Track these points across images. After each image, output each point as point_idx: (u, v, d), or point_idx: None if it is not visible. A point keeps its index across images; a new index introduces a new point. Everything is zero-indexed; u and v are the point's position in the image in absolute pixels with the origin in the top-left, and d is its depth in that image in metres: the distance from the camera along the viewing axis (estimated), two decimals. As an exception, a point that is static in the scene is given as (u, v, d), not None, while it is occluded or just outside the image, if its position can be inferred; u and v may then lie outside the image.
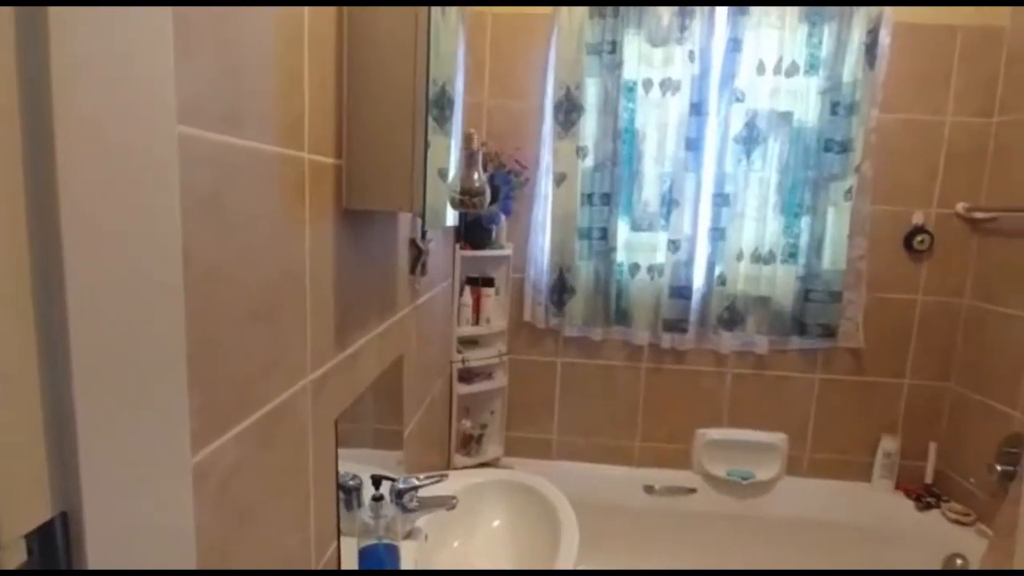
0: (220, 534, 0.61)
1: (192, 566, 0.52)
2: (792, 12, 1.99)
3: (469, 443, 2.15)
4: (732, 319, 2.15)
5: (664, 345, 2.19)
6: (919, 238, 2.09)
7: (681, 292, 2.12)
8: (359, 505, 1.06)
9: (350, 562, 0.99)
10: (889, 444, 2.18)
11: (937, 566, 1.90)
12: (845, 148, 2.02)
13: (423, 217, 0.95)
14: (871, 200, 2.06)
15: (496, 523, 1.33)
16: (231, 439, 0.62)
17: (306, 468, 0.82)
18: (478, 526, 1.31)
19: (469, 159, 1.33)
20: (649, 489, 2.25)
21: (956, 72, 2.02)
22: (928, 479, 2.17)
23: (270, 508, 0.72)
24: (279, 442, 0.74)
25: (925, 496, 2.13)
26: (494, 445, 2.22)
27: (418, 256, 1.43)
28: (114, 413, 0.42)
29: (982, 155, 2.05)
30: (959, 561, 1.87)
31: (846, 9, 1.96)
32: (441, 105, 1.11)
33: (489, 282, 2.11)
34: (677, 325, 2.14)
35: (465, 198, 1.34)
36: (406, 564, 1.03)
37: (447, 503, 1.17)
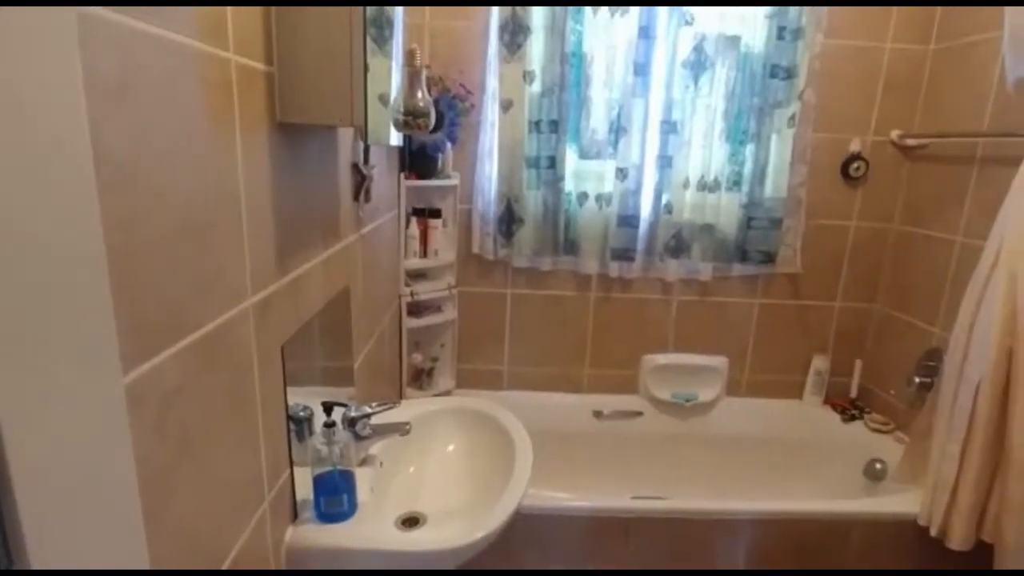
0: (164, 462, 0.58)
1: (133, 490, 0.49)
2: (742, -71, 1.94)
3: (420, 376, 2.14)
4: (678, 247, 2.18)
5: (612, 274, 2.21)
6: (855, 165, 2.15)
7: (629, 221, 2.13)
8: (311, 435, 1.04)
9: (305, 490, 0.98)
10: (820, 363, 2.32)
11: (860, 470, 2.07)
12: (790, 74, 2.02)
13: (364, 131, 0.89)
14: (812, 127, 2.09)
15: (451, 448, 1.34)
16: (168, 360, 0.58)
17: (253, 396, 0.79)
18: (433, 451, 1.32)
19: (412, 78, 1.26)
20: (598, 414, 2.32)
21: (898, -3, 2.04)
22: (853, 393, 2.33)
23: (217, 437, 0.69)
24: (222, 367, 0.70)
25: (850, 409, 2.29)
26: (445, 378, 2.22)
27: (361, 182, 1.36)
28: (27, 326, 0.38)
29: (918, 82, 2.10)
30: (878, 465, 2.03)
31: (795, -72, 1.93)
32: (380, 24, 1.03)
33: (436, 213, 2.06)
34: (625, 254, 2.16)
35: (409, 119, 1.27)
36: (362, 490, 1.03)
37: (401, 429, 1.16)
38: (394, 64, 1.20)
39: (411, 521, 1.15)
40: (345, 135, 1.23)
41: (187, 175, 0.61)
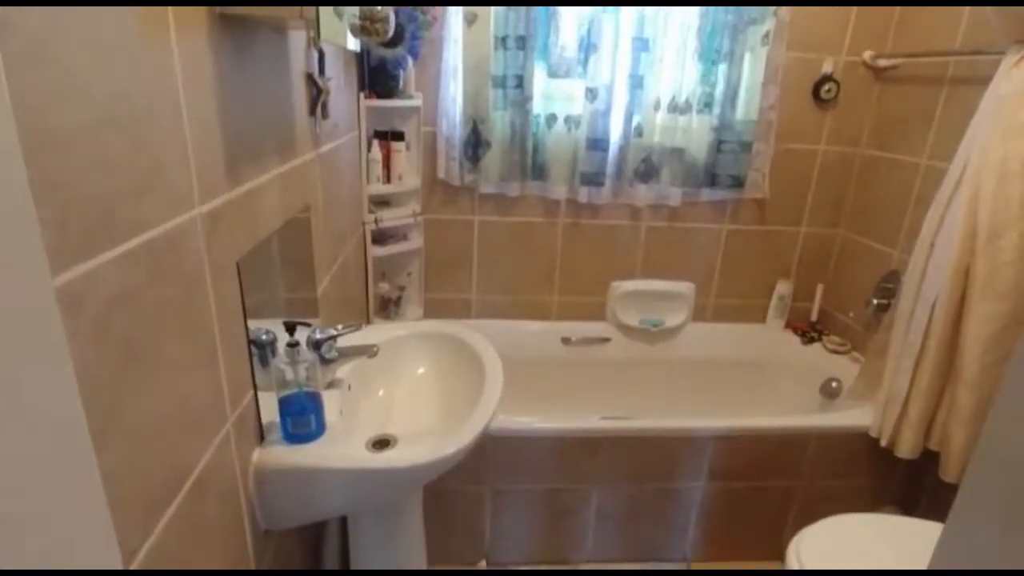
0: (109, 371, 0.53)
1: (73, 393, 0.45)
2: None
3: (388, 306, 2.11)
4: (648, 172, 2.15)
5: (581, 200, 2.17)
6: (827, 87, 2.12)
7: (598, 144, 2.08)
8: (273, 357, 1.00)
9: (270, 412, 0.95)
10: (783, 288, 2.36)
11: (817, 389, 2.15)
12: (765, -11, 1.95)
13: (316, 26, 0.80)
14: (786, 47, 2.04)
15: (421, 371, 1.32)
16: (106, 265, 0.53)
17: (208, 312, 0.74)
18: (402, 375, 1.30)
19: (369, -23, 1.16)
20: (566, 341, 2.34)
21: (878, -94, 1.96)
22: (813, 317, 2.40)
23: (170, 351, 0.65)
24: (171, 279, 0.65)
25: (809, 332, 2.36)
26: (413, 307, 2.20)
27: (317, 96, 1.27)
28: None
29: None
30: (834, 384, 2.11)
31: None
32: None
33: (399, 136, 1.96)
34: (594, 179, 2.12)
35: (367, 23, 1.18)
36: (330, 412, 1.01)
37: (368, 351, 1.14)
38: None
39: (381, 443, 1.14)
40: (297, 41, 1.14)
41: (109, 61, 0.54)
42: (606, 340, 2.36)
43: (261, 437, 0.94)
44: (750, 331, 2.42)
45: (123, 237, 0.56)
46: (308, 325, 1.06)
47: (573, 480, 1.76)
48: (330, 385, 1.12)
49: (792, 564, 1.34)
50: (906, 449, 1.66)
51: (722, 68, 2.04)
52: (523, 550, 1.83)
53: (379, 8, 1.19)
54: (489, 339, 1.40)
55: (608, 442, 1.73)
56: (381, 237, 2.01)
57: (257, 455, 0.91)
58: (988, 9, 1.49)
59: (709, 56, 2.03)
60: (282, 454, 0.92)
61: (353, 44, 1.11)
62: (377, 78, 1.84)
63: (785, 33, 2.02)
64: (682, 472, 1.78)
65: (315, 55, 1.25)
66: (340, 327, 1.11)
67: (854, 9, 2.05)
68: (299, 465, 0.91)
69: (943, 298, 1.55)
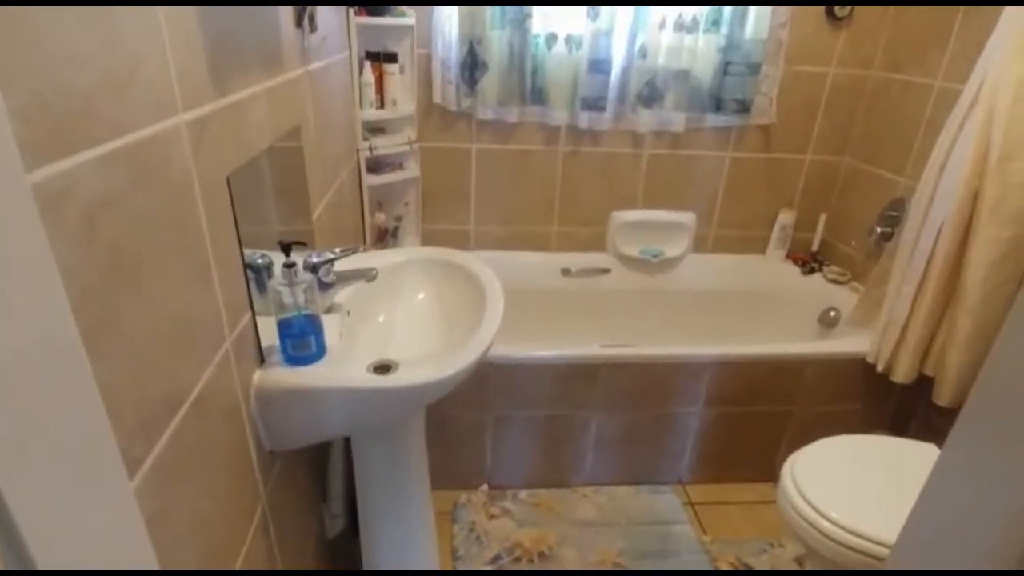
0: (97, 276, 0.51)
1: (60, 295, 0.43)
2: None
3: (385, 237, 2.07)
4: (651, 96, 2.07)
5: (582, 125, 2.10)
6: (842, 5, 2.02)
7: (600, 67, 1.99)
8: (270, 279, 0.98)
9: (269, 335, 0.94)
10: (786, 218, 2.33)
11: (815, 319, 2.16)
12: None
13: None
14: (800, -42, 1.93)
15: (421, 296, 1.31)
16: (87, 166, 0.50)
17: (199, 226, 0.72)
18: (402, 300, 1.29)
19: None
20: (566, 272, 2.32)
21: None
22: (814, 247, 2.38)
23: (161, 263, 0.62)
24: (158, 188, 0.62)
25: (810, 262, 2.34)
26: (411, 237, 2.16)
27: (304, 6, 1.20)
28: None
29: (915, -93, 1.93)
30: (832, 313, 2.12)
31: None
32: None
33: (392, 58, 1.87)
34: (596, 103, 2.04)
35: (355, -78, 1.09)
36: (331, 336, 1.00)
37: (367, 274, 1.12)
38: None
39: (382, 368, 1.14)
40: (280, -59, 1.05)
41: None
42: (606, 271, 2.34)
43: (261, 359, 0.93)
44: (750, 262, 2.41)
45: (102, 137, 0.52)
46: (304, 245, 1.03)
47: (572, 407, 1.79)
48: (329, 310, 1.11)
49: (787, 484, 1.38)
50: (902, 374, 1.68)
51: (732, -18, 1.93)
52: (523, 474, 1.88)
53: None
54: (479, 260, 1.38)
55: (607, 369, 1.75)
56: (376, 166, 1.95)
57: (258, 376, 0.90)
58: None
59: (719, -31, 1.92)
60: (283, 375, 0.91)
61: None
62: (367, -7, 1.73)
63: (800, -57, 1.90)
64: (679, 398, 1.81)
65: (300, -39, 1.17)
66: (338, 250, 1.09)
67: (874, -83, 1.93)
68: (301, 385, 0.90)
69: (949, 223, 1.52)
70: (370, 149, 1.88)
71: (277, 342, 0.95)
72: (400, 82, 1.92)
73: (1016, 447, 0.53)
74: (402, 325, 1.25)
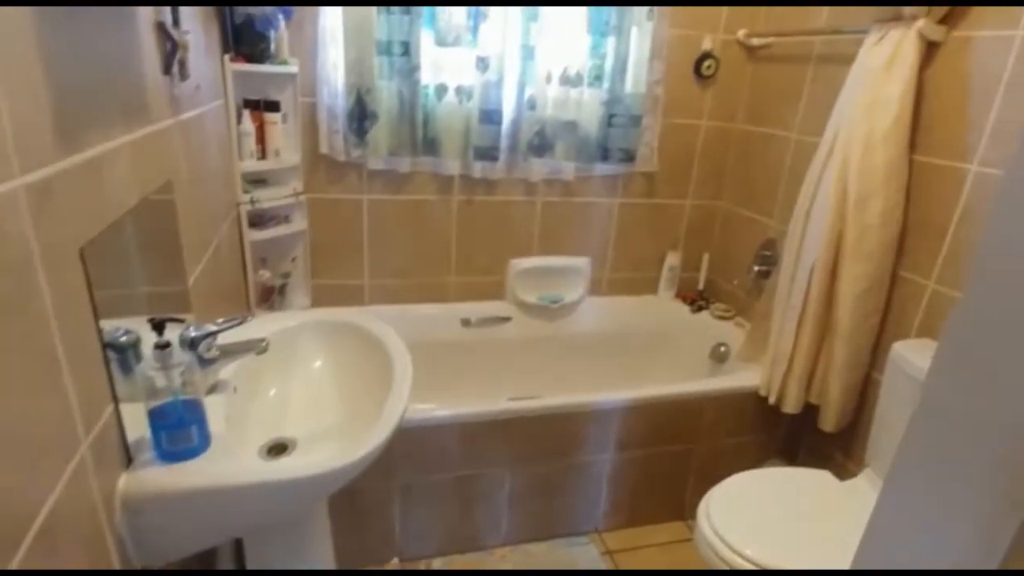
0: None
1: None
2: None
3: (271, 296, 1.91)
4: (542, 145, 2.11)
5: (475, 175, 2.09)
6: (707, 63, 2.20)
7: (491, 117, 2.00)
8: (138, 362, 0.84)
9: (138, 427, 0.79)
10: (673, 259, 2.45)
11: (707, 354, 2.26)
12: (650, -38, 1.96)
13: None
14: (668, 22, 2.08)
15: (318, 363, 1.19)
16: None
17: (42, 311, 0.58)
18: (296, 370, 1.17)
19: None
20: (466, 322, 2.27)
21: None
22: (700, 286, 2.51)
23: (-13, 364, 0.49)
24: (-18, 270, 0.49)
25: (697, 300, 2.47)
26: (300, 295, 2.01)
27: (173, 51, 1.08)
28: None
29: (762, -19, 2.16)
30: (722, 348, 2.23)
31: None
32: None
33: (273, 106, 1.76)
34: (488, 153, 2.04)
35: (232, -34, 1.01)
36: (215, 420, 0.86)
37: (256, 346, 1.00)
38: None
39: (277, 448, 1.01)
40: (144, -18, 0.94)
41: None
42: (506, 319, 2.32)
43: (129, 459, 0.78)
44: (643, 303, 2.49)
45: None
46: (180, 321, 0.90)
47: (484, 465, 1.71)
48: (212, 389, 0.97)
49: (703, 525, 1.39)
50: (791, 404, 1.78)
51: (611, 41, 2.04)
52: (437, 542, 1.76)
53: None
54: (381, 321, 1.30)
55: (516, 423, 1.69)
56: (259, 219, 1.81)
57: (124, 481, 0.75)
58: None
59: (598, 28, 2.02)
60: (156, 477, 0.77)
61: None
62: (244, 38, 1.63)
63: (668, 9, 2.05)
64: (590, 445, 1.79)
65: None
66: (220, 321, 0.96)
67: (728, -12, 2.13)
68: (180, 488, 0.77)
69: (820, 261, 1.66)
70: (252, 202, 1.74)
71: (149, 434, 0.81)
72: (283, 132, 1.81)
73: (952, 483, 0.54)
74: (298, 397, 1.13)
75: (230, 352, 0.97)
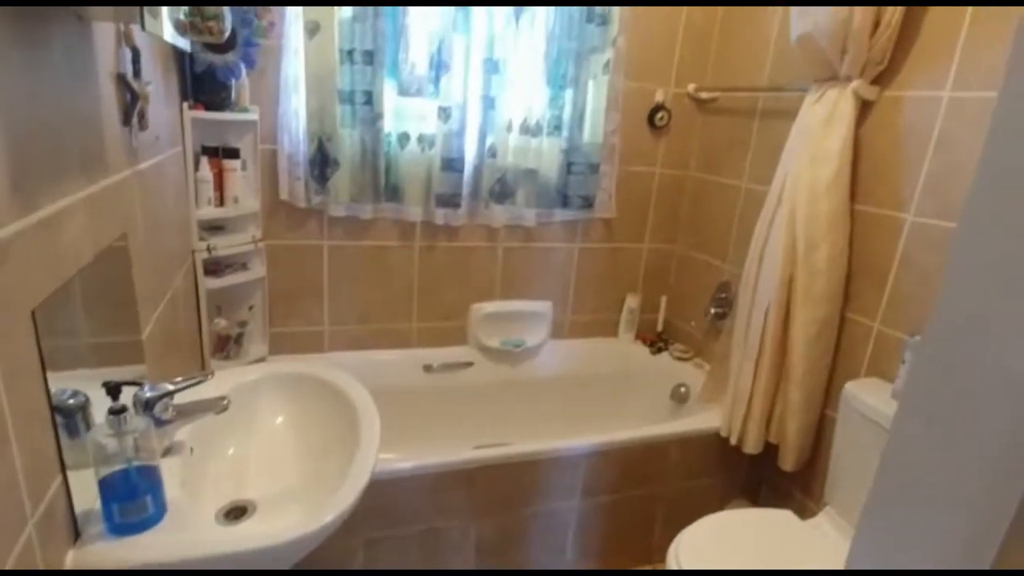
0: None
1: None
2: None
3: (227, 345, 1.85)
4: (503, 192, 2.15)
5: (437, 221, 2.10)
6: (660, 115, 2.30)
7: (453, 165, 2.03)
8: (88, 428, 0.79)
9: (88, 499, 0.75)
10: (632, 301, 2.49)
11: (667, 395, 2.28)
12: (604, 21, 2.06)
13: (141, 11, 0.65)
14: (624, 76, 2.17)
15: (279, 420, 1.15)
16: None
17: (-9, 381, 0.55)
18: (257, 427, 1.12)
19: (197, -32, 1.01)
20: (428, 368, 2.24)
21: (694, -45, 2.17)
22: (659, 328, 2.56)
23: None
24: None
25: (657, 342, 2.51)
26: (257, 344, 1.95)
27: (133, 102, 1.06)
28: None
29: (708, 40, 2.29)
30: (682, 389, 2.26)
31: None
32: None
33: (233, 153, 1.74)
34: (450, 200, 2.06)
35: (196, 20, 1.02)
36: (170, 485, 0.82)
37: (216, 406, 0.96)
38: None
39: (237, 512, 0.96)
40: (105, 35, 0.93)
41: None
42: (469, 364, 2.30)
43: (77, 534, 0.73)
44: (604, 345, 2.52)
45: None
46: (138, 384, 0.86)
47: (450, 517, 1.67)
48: (167, 451, 0.92)
49: (672, 566, 1.38)
50: (752, 444, 1.81)
51: (569, 93, 2.11)
52: (398, 601, 1.69)
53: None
54: (345, 372, 1.27)
55: (483, 472, 1.67)
56: (216, 267, 1.76)
57: (72, 559, 0.70)
58: (794, 45, 1.69)
59: (556, 81, 2.09)
60: (107, 552, 0.72)
61: (184, 43, 0.94)
62: (204, 87, 1.62)
63: (623, 63, 2.14)
64: (556, 493, 1.77)
65: (127, 54, 1.05)
66: (179, 380, 0.92)
67: (679, 44, 2.25)
68: (132, 564, 0.72)
69: (773, 305, 1.72)
70: (208, 250, 1.70)
71: (99, 505, 0.76)
72: (242, 178, 1.79)
73: (919, 522, 0.55)
74: (259, 456, 1.09)
75: (188, 412, 0.93)
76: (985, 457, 0.49)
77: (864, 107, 1.64)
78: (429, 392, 2.25)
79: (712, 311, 2.23)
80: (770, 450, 1.84)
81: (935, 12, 1.49)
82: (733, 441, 1.85)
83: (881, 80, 1.61)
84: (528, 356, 2.38)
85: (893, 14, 1.49)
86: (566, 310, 2.45)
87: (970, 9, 1.41)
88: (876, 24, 1.51)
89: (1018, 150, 0.47)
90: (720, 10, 2.24)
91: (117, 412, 0.73)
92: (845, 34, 1.52)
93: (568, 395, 2.41)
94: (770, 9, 2.00)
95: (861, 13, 1.48)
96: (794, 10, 1.61)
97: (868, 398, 1.49)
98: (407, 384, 2.21)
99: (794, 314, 1.71)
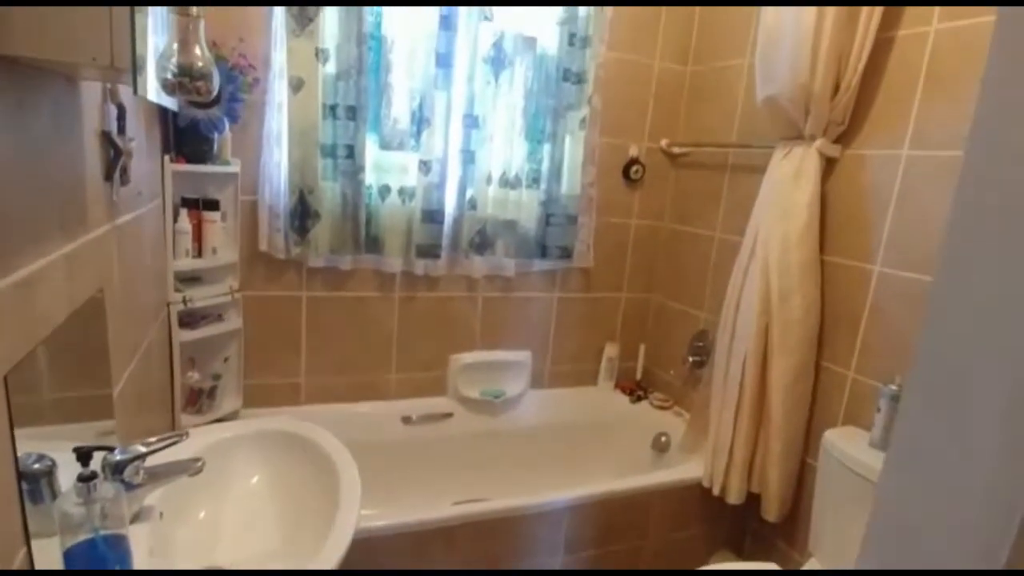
0: None
1: None
2: (535, -66, 1.99)
3: (199, 399, 1.80)
4: (483, 243, 2.17)
5: (417, 272, 2.11)
6: (634, 168, 2.37)
7: (433, 216, 2.05)
8: (54, 494, 0.76)
9: (48, 564, 0.71)
10: (611, 351, 2.51)
11: (648, 444, 2.27)
12: (580, 79, 2.14)
13: (133, 75, 0.66)
14: (599, 131, 2.24)
15: (255, 479, 1.12)
16: None
17: (-42, 451, 0.53)
18: (231, 488, 1.09)
19: (187, 31, 1.03)
20: (407, 420, 2.20)
21: (664, 21, 2.29)
22: (638, 376, 2.57)
23: None
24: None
25: (636, 391, 2.51)
26: (230, 397, 1.91)
27: (116, 158, 1.06)
28: None
29: (679, 98, 2.39)
30: (663, 438, 2.26)
31: (582, -59, 2.04)
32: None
33: (213, 205, 1.74)
34: (430, 251, 2.08)
35: (185, 80, 1.03)
36: (138, 554, 0.78)
37: (189, 468, 0.93)
38: (152, 21, 0.95)
39: (207, 579, 0.92)
40: (91, 93, 0.94)
41: None
42: (448, 415, 2.27)
43: (36, 610, 0.69)
44: (584, 394, 2.51)
45: None
46: (109, 449, 0.83)
47: (428, 577, 1.61)
48: (136, 517, 0.88)
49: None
50: (735, 495, 1.80)
51: (547, 147, 2.17)
52: (374, 669, 1.61)
53: (200, 63, 1.04)
54: (322, 426, 1.25)
55: (464, 529, 1.63)
56: (191, 319, 1.73)
57: (30, 639, 0.66)
58: (760, 107, 1.77)
59: (535, 136, 2.15)
60: (69, 629, 0.68)
61: (171, 103, 0.95)
62: (187, 140, 1.63)
63: (598, 120, 2.22)
64: (540, 549, 1.73)
65: (113, 111, 1.05)
66: (152, 441, 0.89)
67: (651, 102, 2.34)
68: (96, 641, 0.68)
69: (750, 354, 1.74)
70: (184, 302, 1.67)
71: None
72: (222, 229, 1.78)
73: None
74: (232, 519, 1.05)
75: (160, 475, 0.90)
76: (974, 511, 0.50)
77: (829, 163, 1.72)
78: (408, 445, 2.20)
79: (690, 359, 2.26)
80: (753, 500, 1.83)
81: (891, 76, 1.58)
82: (716, 492, 1.84)
83: (843, 139, 1.69)
84: (508, 406, 2.36)
85: (852, 78, 1.58)
86: (546, 359, 2.44)
87: (923, 75, 1.50)
88: (836, 88, 1.60)
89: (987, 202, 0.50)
90: (688, 71, 2.35)
91: (86, 479, 0.71)
92: (807, 97, 1.60)
93: (549, 445, 2.38)
94: (736, 71, 2.10)
95: (821, 78, 1.56)
96: (759, 75, 1.70)
97: (847, 447, 1.51)
98: (385, 437, 2.17)
99: (771, 362, 1.74)
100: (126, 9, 0.64)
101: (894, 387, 1.47)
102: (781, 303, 1.71)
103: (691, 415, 2.07)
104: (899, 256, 1.56)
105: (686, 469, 1.94)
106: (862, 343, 1.66)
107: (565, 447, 2.39)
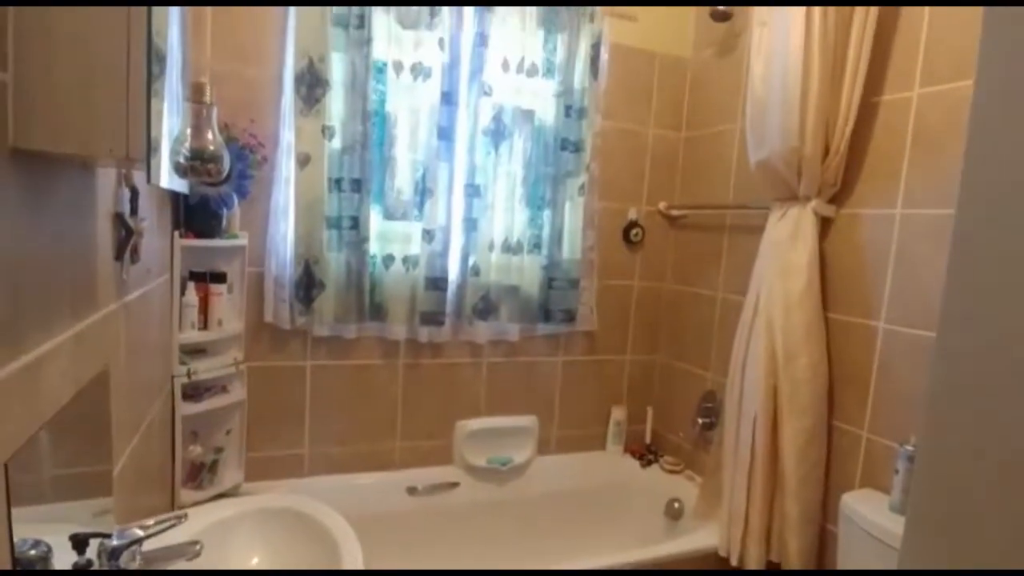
0: None
1: None
2: (531, 16, 2.10)
3: (200, 473, 1.77)
4: (486, 309, 2.18)
5: (421, 339, 2.12)
6: (634, 231, 2.41)
7: (437, 283, 2.08)
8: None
9: (38, 667, 0.68)
10: (618, 414, 2.47)
11: (661, 511, 2.20)
12: (578, 148, 2.21)
13: (147, 165, 0.69)
14: (598, 197, 2.30)
15: (255, 560, 1.08)
16: None
17: (-46, 542, 0.52)
18: (230, 568, 1.05)
19: (200, 117, 1.08)
20: (412, 490, 2.15)
21: (656, 90, 2.38)
22: (647, 439, 2.52)
23: None
24: None
25: (646, 455, 2.46)
26: (232, 471, 1.87)
27: (127, 239, 1.09)
28: None
29: (674, 163, 2.46)
30: (676, 504, 2.19)
31: (574, 21, 2.15)
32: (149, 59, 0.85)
33: (220, 278, 1.77)
34: (434, 318, 2.09)
35: (197, 163, 1.08)
36: (132, 646, 0.75)
37: (187, 552, 0.90)
38: (168, 105, 1.01)
39: (202, 672, 0.88)
40: (107, 177, 0.98)
41: None
42: (455, 485, 2.21)
43: None
44: (593, 459, 2.46)
45: None
46: (106, 536, 0.81)
47: (435, 662, 1.53)
48: (130, 605, 0.85)
49: None
50: (753, 563, 1.73)
51: (547, 213, 2.22)
52: None
53: (212, 146, 1.09)
54: (326, 498, 1.22)
55: (471, 608, 1.56)
56: (195, 392, 1.73)
57: None
58: (752, 170, 1.82)
59: (535, 203, 2.20)
60: None
61: (182, 186, 0.99)
62: (197, 216, 1.67)
63: (597, 185, 2.28)
64: (551, 628, 1.65)
65: (126, 193, 1.09)
66: (150, 523, 0.87)
67: (647, 166, 2.41)
68: None
69: (760, 414, 1.72)
70: (189, 375, 1.67)
71: (49, 674, 0.69)
72: (228, 301, 1.80)
73: None
74: (229, 604, 1.01)
75: (158, 559, 0.88)
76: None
77: (825, 223, 1.74)
78: (414, 516, 2.14)
79: (700, 421, 2.22)
80: (771, 567, 1.75)
81: (878, 139, 1.63)
82: (734, 562, 1.77)
83: (837, 199, 1.73)
84: (516, 474, 2.31)
85: (840, 142, 1.63)
86: (552, 424, 2.41)
87: (910, 137, 1.55)
88: (826, 150, 1.65)
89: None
90: (683, 137, 2.43)
91: (83, 569, 0.69)
92: (799, 160, 1.65)
93: (558, 514, 2.31)
94: (729, 135, 2.17)
95: (811, 142, 1.61)
96: (750, 141, 1.75)
97: (867, 512, 1.46)
98: (390, 509, 2.11)
99: (782, 424, 1.71)
100: (143, 100, 0.68)
101: (910, 447, 1.44)
102: (787, 363, 1.70)
103: (703, 479, 2.02)
104: (903, 313, 1.56)
105: (701, 537, 1.87)
106: (873, 401, 1.64)
107: (575, 515, 2.32)
